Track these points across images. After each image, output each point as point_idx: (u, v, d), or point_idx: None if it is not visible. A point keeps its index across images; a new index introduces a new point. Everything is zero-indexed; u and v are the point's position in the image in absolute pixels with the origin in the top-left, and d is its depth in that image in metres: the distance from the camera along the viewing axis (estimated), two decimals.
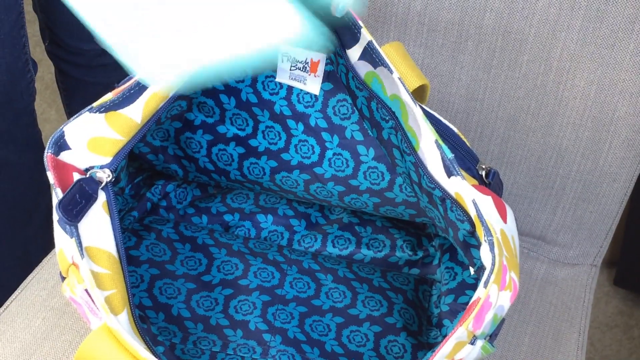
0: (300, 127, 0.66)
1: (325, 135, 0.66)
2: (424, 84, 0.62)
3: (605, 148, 0.75)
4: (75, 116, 0.55)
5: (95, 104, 0.56)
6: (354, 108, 0.64)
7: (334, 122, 0.65)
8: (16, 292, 0.73)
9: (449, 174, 0.56)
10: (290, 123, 0.66)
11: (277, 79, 0.65)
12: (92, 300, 0.53)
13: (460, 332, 0.50)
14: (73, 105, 1.26)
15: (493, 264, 0.51)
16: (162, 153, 0.70)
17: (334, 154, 0.66)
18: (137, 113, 0.57)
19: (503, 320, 0.54)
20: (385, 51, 0.61)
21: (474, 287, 0.65)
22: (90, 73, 1.20)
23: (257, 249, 0.73)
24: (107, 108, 0.56)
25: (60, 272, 0.57)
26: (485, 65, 0.75)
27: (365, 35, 0.58)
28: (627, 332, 1.37)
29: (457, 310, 0.65)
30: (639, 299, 1.42)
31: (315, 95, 0.64)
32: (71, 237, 0.52)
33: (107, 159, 0.56)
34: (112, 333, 0.51)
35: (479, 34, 0.74)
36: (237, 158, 0.69)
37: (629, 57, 0.71)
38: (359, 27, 0.58)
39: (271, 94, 0.65)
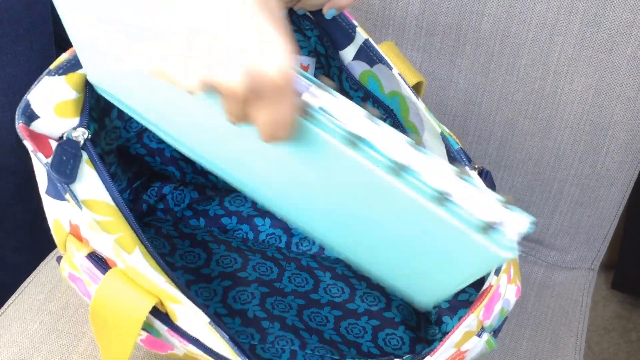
0: None
1: None
2: (420, 81, 0.62)
3: (602, 152, 0.75)
4: (36, 82, 0.55)
5: (52, 66, 0.55)
6: None
7: None
8: (13, 296, 0.73)
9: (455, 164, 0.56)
10: None
11: None
12: (94, 264, 0.52)
13: (470, 319, 0.50)
14: None
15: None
16: (159, 155, 0.70)
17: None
18: None
19: (506, 317, 0.54)
20: (381, 49, 0.61)
21: (473, 285, 0.65)
22: None
23: (255, 247, 0.73)
24: (65, 69, 0.56)
25: (57, 258, 0.57)
26: (483, 69, 0.75)
27: (361, 34, 0.58)
28: (625, 335, 1.37)
29: (457, 307, 0.65)
30: (636, 303, 1.42)
31: None
32: (64, 193, 0.52)
33: (76, 120, 0.56)
34: (123, 274, 0.50)
35: (476, 38, 0.74)
36: None
37: (626, 61, 0.71)
38: (354, 27, 0.58)
39: None
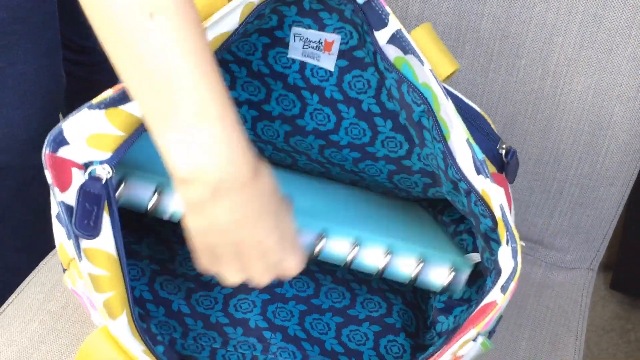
0: (316, 97, 0.66)
1: (341, 107, 0.65)
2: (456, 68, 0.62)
3: (602, 152, 0.75)
4: (73, 113, 0.54)
5: (94, 101, 0.55)
6: (370, 84, 0.64)
7: (350, 96, 0.65)
8: (13, 296, 0.73)
9: (478, 172, 0.56)
10: (305, 93, 0.66)
11: (290, 56, 0.64)
12: None
13: (471, 333, 0.50)
14: (76, 106, 1.25)
15: (514, 272, 0.51)
16: None
17: (351, 124, 0.66)
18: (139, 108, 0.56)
19: (500, 317, 0.54)
20: (415, 37, 0.60)
21: (469, 283, 0.66)
22: (96, 71, 1.19)
23: None
24: (107, 104, 0.55)
25: (61, 264, 0.57)
26: (483, 69, 0.75)
27: (394, 22, 0.58)
28: (624, 335, 1.37)
29: (452, 306, 0.65)
30: (635, 303, 1.42)
31: (330, 71, 0.64)
32: (69, 239, 0.52)
33: (107, 154, 0.55)
34: (110, 336, 0.51)
35: (476, 38, 0.74)
36: (250, 119, 0.69)
37: (626, 61, 0.71)
38: (387, 14, 0.58)
39: (284, 67, 0.65)
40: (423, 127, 0.61)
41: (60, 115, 1.37)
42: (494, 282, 0.53)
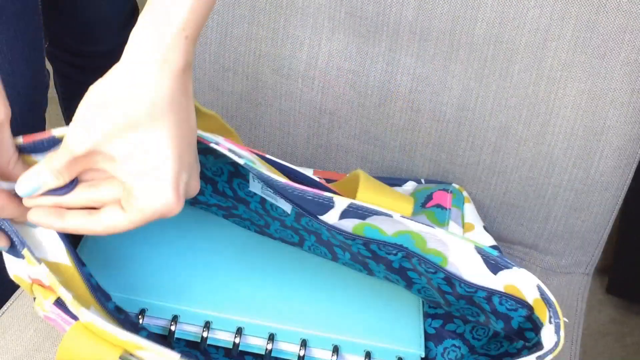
0: (277, 223, 0.67)
1: (302, 233, 0.66)
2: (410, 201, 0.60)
3: (596, 157, 0.76)
4: None
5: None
6: None
7: (309, 229, 0.64)
8: (8, 304, 0.73)
9: (497, 270, 0.56)
10: (267, 219, 0.67)
11: (250, 189, 0.64)
12: (62, 311, 0.53)
13: None
14: (73, 109, 1.24)
15: (556, 346, 0.52)
16: None
17: (313, 245, 0.67)
18: None
19: None
20: (363, 198, 0.58)
21: (461, 318, 0.66)
22: (93, 76, 1.19)
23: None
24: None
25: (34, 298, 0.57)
26: (477, 75, 0.75)
27: (342, 201, 0.55)
28: (620, 339, 1.38)
29: (443, 337, 0.65)
30: (631, 307, 1.42)
31: (287, 212, 0.64)
32: (22, 249, 0.52)
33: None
34: (86, 328, 0.51)
35: (470, 44, 0.74)
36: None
37: (619, 66, 0.71)
38: (330, 198, 0.55)
39: (246, 195, 0.65)
40: (406, 269, 0.61)
41: (62, 118, 1.36)
42: (531, 351, 0.54)
